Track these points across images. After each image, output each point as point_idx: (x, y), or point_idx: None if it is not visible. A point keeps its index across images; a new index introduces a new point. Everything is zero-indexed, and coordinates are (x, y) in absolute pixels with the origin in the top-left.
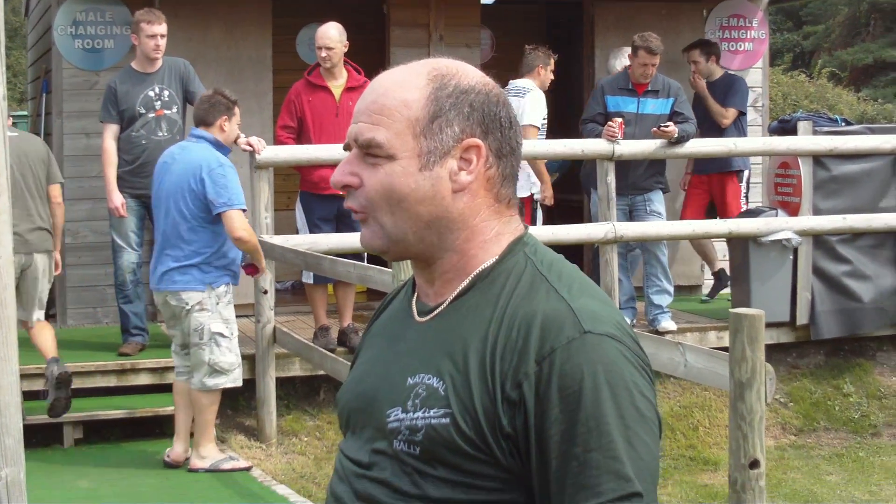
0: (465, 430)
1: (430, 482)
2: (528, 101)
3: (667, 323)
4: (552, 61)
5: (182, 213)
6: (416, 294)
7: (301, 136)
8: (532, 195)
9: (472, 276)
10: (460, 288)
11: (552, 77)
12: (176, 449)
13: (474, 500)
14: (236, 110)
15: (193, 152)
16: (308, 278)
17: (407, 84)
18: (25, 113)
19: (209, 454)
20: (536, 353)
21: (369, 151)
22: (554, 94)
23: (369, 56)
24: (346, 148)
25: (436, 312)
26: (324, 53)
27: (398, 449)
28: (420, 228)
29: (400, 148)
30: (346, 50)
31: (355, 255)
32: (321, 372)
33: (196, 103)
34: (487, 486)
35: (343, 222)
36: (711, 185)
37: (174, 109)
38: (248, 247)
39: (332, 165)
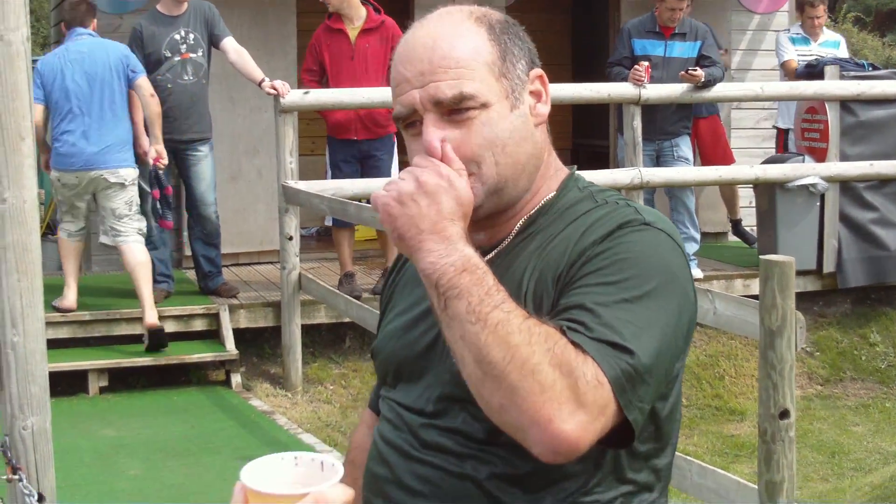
0: None
1: None
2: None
3: (693, 271)
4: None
5: (122, 90)
6: None
7: (323, 80)
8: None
9: (533, 212)
10: (519, 225)
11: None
12: (69, 297)
13: None
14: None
15: (107, 43)
16: (329, 221)
17: (463, 32)
18: None
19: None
20: (599, 235)
21: (460, 106)
22: (578, 39)
23: None
24: (405, 118)
25: (494, 253)
26: None
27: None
28: (518, 171)
29: (490, 94)
30: None
31: None
32: (347, 319)
33: (67, 9)
34: None
35: (367, 164)
36: (698, 132)
37: (199, 53)
38: (155, 108)
39: (356, 108)
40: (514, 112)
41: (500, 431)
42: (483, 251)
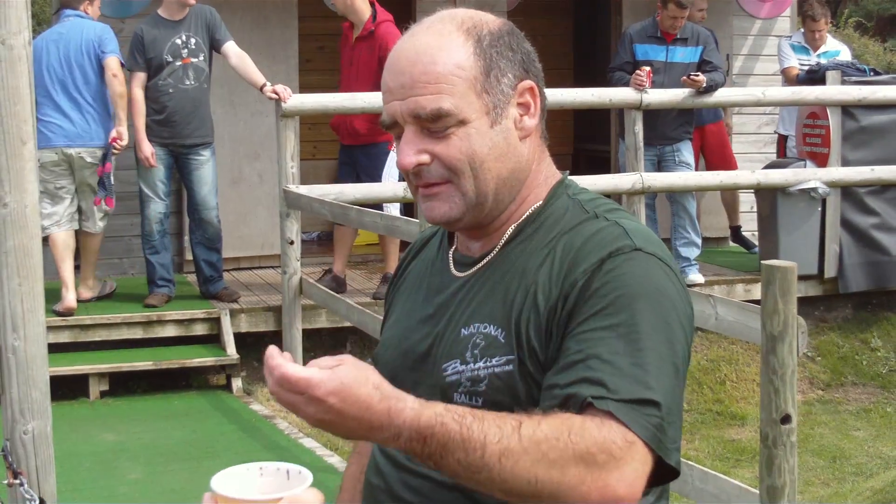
0: (533, 373)
1: None
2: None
3: (694, 276)
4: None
5: (95, 70)
6: (453, 246)
7: None
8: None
9: (520, 221)
10: (507, 235)
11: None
12: (69, 298)
13: None
14: None
15: (84, 24)
16: None
17: (448, 46)
18: None
19: (94, 286)
20: (588, 263)
21: (438, 123)
22: (580, 43)
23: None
24: (390, 127)
25: (484, 262)
26: (328, 2)
27: (459, 402)
28: (499, 186)
29: (469, 110)
30: None
31: (378, 207)
32: (348, 324)
33: None
34: None
35: (359, 171)
36: (704, 137)
37: (201, 57)
38: (118, 89)
39: (357, 113)
40: (495, 128)
41: None
42: (474, 261)
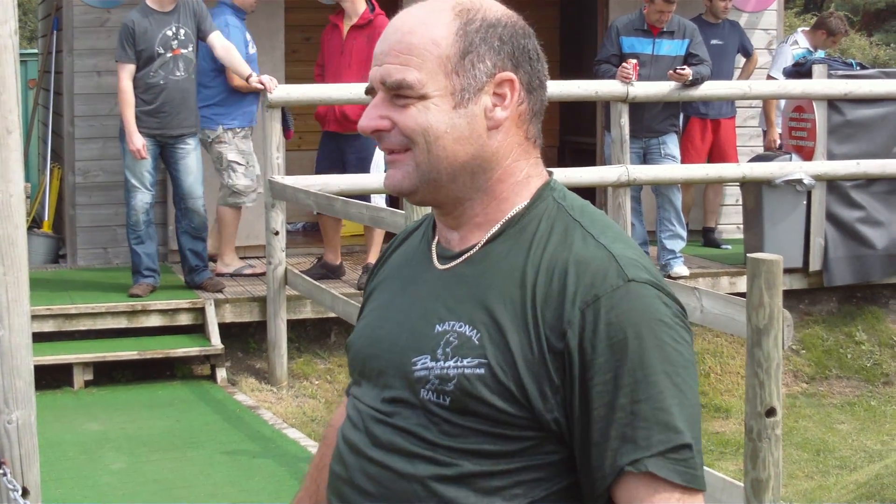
0: (503, 381)
1: (458, 432)
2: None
3: (679, 268)
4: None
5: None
6: (436, 238)
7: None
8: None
9: (503, 221)
10: (490, 233)
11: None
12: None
13: (503, 451)
14: None
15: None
16: None
17: (432, 21)
18: (36, 51)
19: (232, 262)
20: (581, 300)
21: (399, 93)
22: (567, 36)
23: None
24: (369, 92)
25: (463, 258)
26: None
27: (425, 398)
28: (454, 168)
29: (432, 87)
30: None
31: (364, 198)
32: (332, 314)
33: None
34: (517, 436)
35: (345, 162)
36: (718, 130)
37: (189, 48)
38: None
39: (342, 104)
40: (458, 111)
41: (454, 434)
42: (453, 255)
